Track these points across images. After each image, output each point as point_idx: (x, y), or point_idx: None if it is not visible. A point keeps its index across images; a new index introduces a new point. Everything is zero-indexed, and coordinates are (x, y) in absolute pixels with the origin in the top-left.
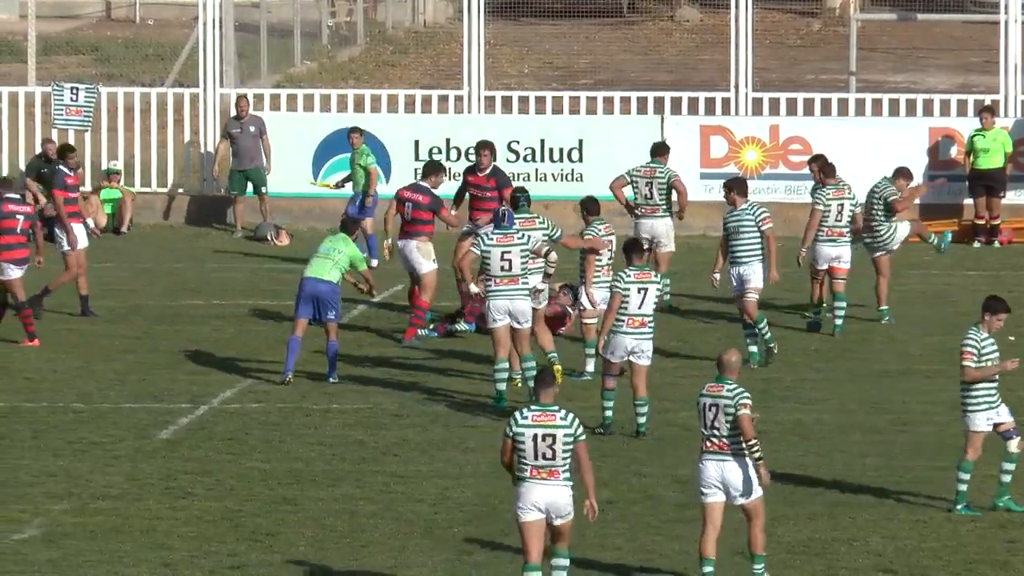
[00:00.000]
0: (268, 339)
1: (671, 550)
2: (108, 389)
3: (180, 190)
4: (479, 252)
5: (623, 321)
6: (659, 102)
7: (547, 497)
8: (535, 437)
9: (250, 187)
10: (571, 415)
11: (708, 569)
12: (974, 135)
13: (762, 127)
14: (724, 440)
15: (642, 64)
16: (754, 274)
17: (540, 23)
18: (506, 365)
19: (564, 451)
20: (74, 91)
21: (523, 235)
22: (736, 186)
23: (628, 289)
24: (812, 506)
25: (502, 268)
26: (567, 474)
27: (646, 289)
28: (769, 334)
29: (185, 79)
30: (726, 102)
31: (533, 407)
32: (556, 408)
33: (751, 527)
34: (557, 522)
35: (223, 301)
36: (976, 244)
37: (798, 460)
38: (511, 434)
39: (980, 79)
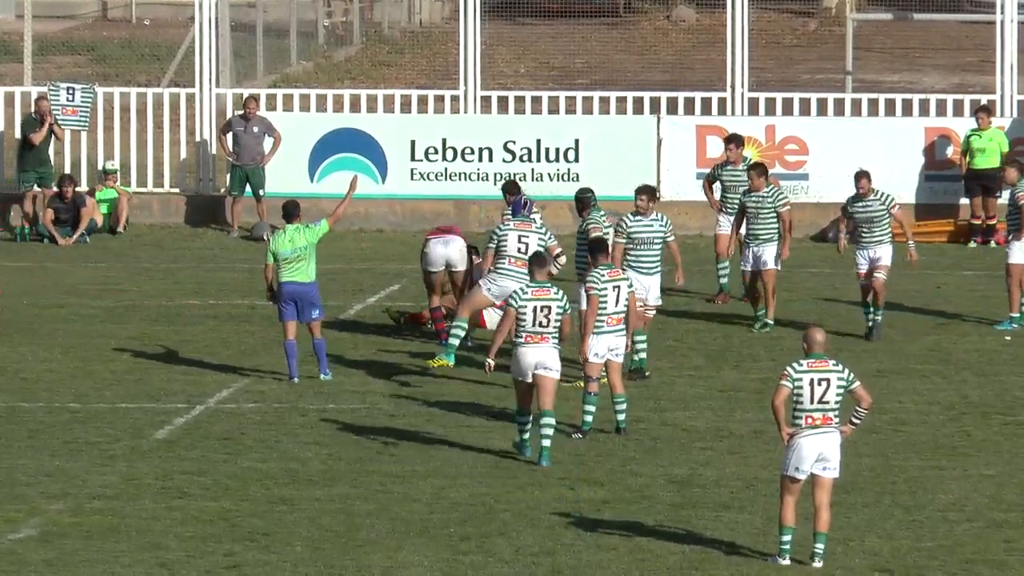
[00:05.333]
0: (264, 339)
1: (667, 550)
2: (104, 389)
3: (176, 190)
4: (494, 246)
5: (603, 321)
6: (655, 102)
7: (537, 356)
8: (535, 309)
9: (248, 188)
10: (561, 291)
11: (788, 537)
12: (970, 135)
13: (758, 127)
14: (830, 414)
15: (638, 64)
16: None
17: (536, 23)
18: (465, 325)
19: (556, 320)
20: (71, 91)
21: (542, 226)
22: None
23: (604, 289)
24: (807, 506)
25: (518, 250)
26: (555, 340)
27: (619, 287)
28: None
29: (181, 79)
30: (722, 102)
31: (531, 284)
32: (549, 285)
33: (822, 506)
34: (541, 372)
35: (219, 301)
36: (972, 244)
37: None
38: (516, 306)
39: (976, 79)
